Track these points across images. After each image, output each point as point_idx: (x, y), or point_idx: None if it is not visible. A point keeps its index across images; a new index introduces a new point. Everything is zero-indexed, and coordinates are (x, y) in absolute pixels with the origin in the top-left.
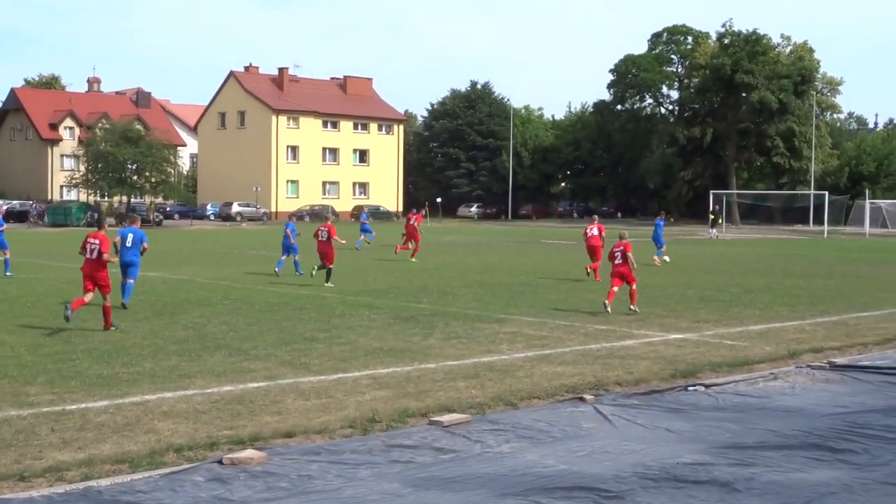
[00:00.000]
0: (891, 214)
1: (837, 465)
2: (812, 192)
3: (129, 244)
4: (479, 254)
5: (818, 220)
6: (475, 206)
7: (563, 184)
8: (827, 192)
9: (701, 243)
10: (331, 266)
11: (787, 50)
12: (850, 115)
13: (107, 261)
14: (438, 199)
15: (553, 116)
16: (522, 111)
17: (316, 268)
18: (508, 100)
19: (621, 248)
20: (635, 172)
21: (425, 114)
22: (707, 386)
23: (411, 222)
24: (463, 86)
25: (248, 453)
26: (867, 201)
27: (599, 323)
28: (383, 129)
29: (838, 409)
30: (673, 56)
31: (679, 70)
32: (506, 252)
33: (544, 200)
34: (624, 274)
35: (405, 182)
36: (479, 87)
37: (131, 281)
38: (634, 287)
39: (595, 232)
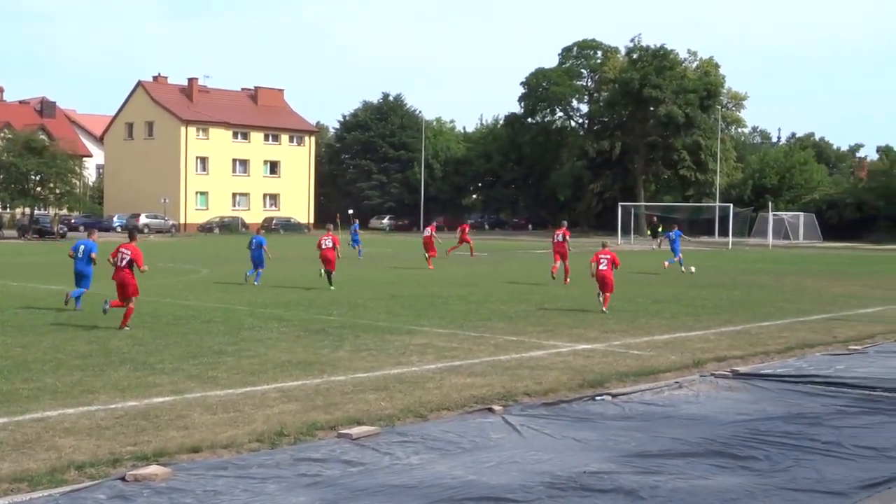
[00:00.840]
0: (793, 226)
1: (740, 471)
2: (717, 204)
3: (80, 255)
4: (390, 266)
5: (723, 232)
6: (387, 217)
7: (474, 196)
8: (731, 205)
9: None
10: (333, 271)
11: (694, 65)
12: (755, 129)
13: (142, 270)
14: (350, 211)
15: (465, 129)
16: (434, 123)
17: (322, 272)
18: (420, 112)
19: (608, 255)
20: (546, 185)
21: (337, 125)
22: (613, 395)
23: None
24: (375, 97)
25: (152, 469)
26: (770, 213)
27: (509, 334)
28: (294, 140)
29: (741, 417)
30: (583, 70)
31: (589, 84)
32: (417, 264)
33: (456, 212)
34: (606, 279)
35: (316, 194)
36: (391, 98)
37: (83, 290)
38: (609, 295)
39: (560, 238)
